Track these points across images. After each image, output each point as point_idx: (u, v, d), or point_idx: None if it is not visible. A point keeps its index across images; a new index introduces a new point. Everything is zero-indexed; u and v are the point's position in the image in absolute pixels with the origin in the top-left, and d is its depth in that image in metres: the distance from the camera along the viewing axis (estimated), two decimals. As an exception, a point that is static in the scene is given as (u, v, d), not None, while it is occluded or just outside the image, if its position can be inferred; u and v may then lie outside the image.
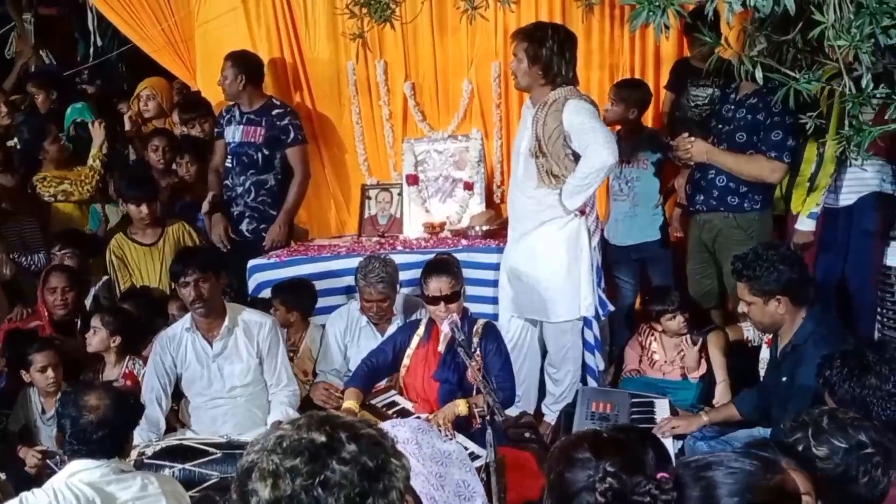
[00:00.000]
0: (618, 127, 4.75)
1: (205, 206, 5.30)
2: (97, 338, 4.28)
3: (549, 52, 4.06)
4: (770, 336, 3.83)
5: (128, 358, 4.36)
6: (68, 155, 5.66)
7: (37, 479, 3.83)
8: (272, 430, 1.61)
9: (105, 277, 5.13)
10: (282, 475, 1.48)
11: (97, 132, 5.50)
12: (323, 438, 1.52)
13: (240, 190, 5.26)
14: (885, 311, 4.07)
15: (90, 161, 5.47)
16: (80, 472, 2.62)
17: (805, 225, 4.29)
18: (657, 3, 2.52)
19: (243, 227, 5.29)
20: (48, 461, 3.81)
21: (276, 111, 5.26)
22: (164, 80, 6.42)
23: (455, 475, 2.32)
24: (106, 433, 2.65)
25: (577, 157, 4.08)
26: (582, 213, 4.19)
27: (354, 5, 4.15)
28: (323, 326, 4.59)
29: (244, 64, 5.22)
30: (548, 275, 4.22)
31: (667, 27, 2.57)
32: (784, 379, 3.44)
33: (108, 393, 2.74)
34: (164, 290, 4.90)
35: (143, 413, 3.03)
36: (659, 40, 3.45)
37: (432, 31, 5.41)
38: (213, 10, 5.80)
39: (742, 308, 3.58)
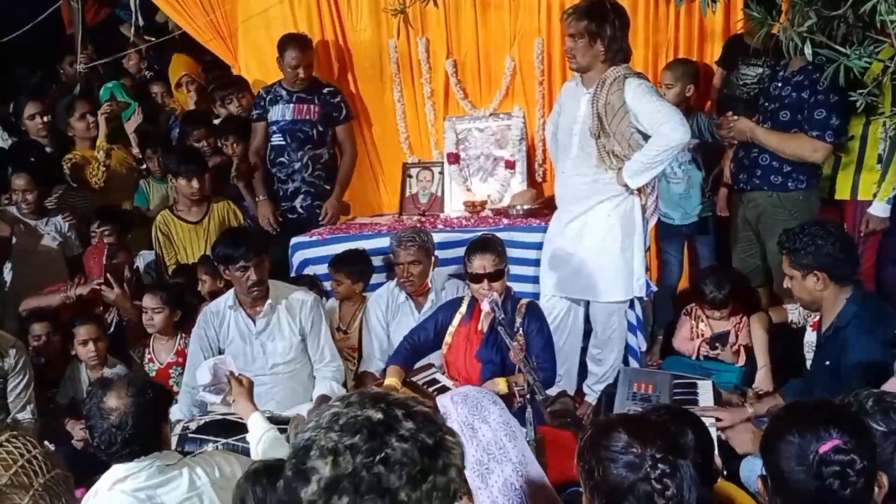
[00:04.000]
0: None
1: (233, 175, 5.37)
2: (160, 316, 4.35)
3: (611, 29, 4.00)
4: (816, 319, 3.78)
5: (179, 335, 4.44)
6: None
7: (83, 451, 3.94)
8: (324, 407, 1.60)
9: (144, 252, 5.22)
10: (342, 452, 1.47)
11: (101, 124, 5.53)
12: (379, 415, 1.51)
13: (297, 166, 5.32)
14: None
15: (96, 152, 5.50)
16: (122, 481, 2.56)
17: (881, 210, 4.23)
18: (704, -23, 2.46)
19: (297, 203, 5.36)
20: (93, 436, 3.90)
21: (327, 89, 5.37)
22: (191, 58, 6.49)
23: (488, 433, 2.32)
24: (130, 434, 2.55)
25: (643, 136, 4.03)
26: (639, 191, 4.15)
27: (396, -19, 4.13)
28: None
29: (309, 46, 5.31)
30: (601, 254, 4.19)
31: (713, 1, 2.51)
32: (827, 363, 3.39)
33: (127, 392, 2.61)
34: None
35: (171, 399, 2.96)
36: (705, 14, 3.38)
37: (475, 7, 5.36)
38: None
39: (786, 283, 3.53)
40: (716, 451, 3.28)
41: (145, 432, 2.60)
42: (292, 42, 5.24)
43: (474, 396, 2.48)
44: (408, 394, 3.76)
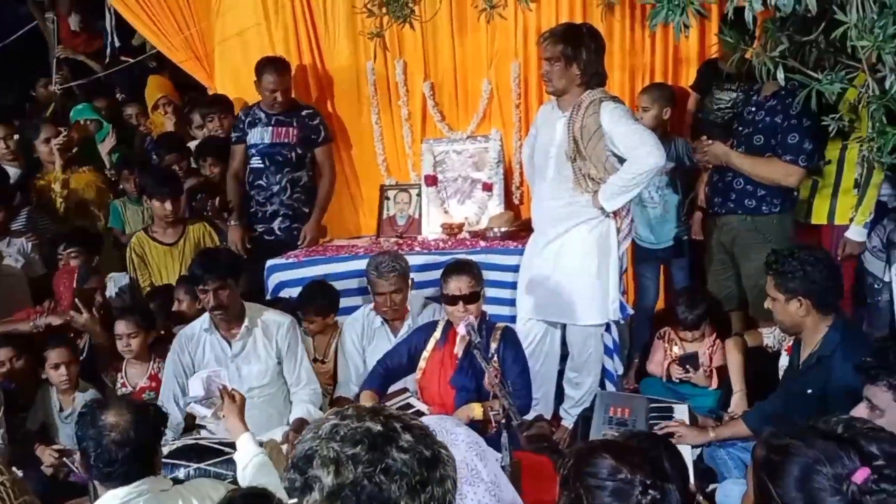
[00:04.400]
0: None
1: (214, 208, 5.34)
2: (136, 341, 4.28)
3: (587, 52, 4.02)
4: (790, 343, 3.79)
5: (153, 359, 4.37)
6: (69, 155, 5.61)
7: (54, 477, 3.88)
8: (320, 419, 1.63)
9: (114, 274, 5.16)
10: (344, 462, 1.50)
11: (56, 154, 5.44)
12: (379, 427, 1.54)
13: (276, 189, 5.31)
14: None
15: (52, 182, 5.43)
16: None
17: (857, 235, 4.28)
18: (676, 2, 2.48)
19: (275, 225, 5.34)
20: (65, 459, 3.84)
21: (306, 111, 5.36)
22: (166, 79, 6.47)
23: (457, 456, 2.30)
24: (131, 450, 2.51)
25: (618, 159, 4.04)
26: (615, 214, 4.16)
27: (373, 4, 4.13)
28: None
29: (287, 70, 5.29)
30: (577, 277, 4.19)
31: (686, 26, 2.54)
32: (810, 391, 3.38)
33: (126, 408, 2.60)
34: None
35: (166, 420, 2.92)
36: (678, 40, 3.41)
37: (452, 30, 5.38)
38: (234, 19, 5.82)
39: (768, 304, 3.54)
40: (690, 475, 3.31)
41: (145, 450, 2.57)
42: (269, 66, 5.22)
43: (436, 423, 2.46)
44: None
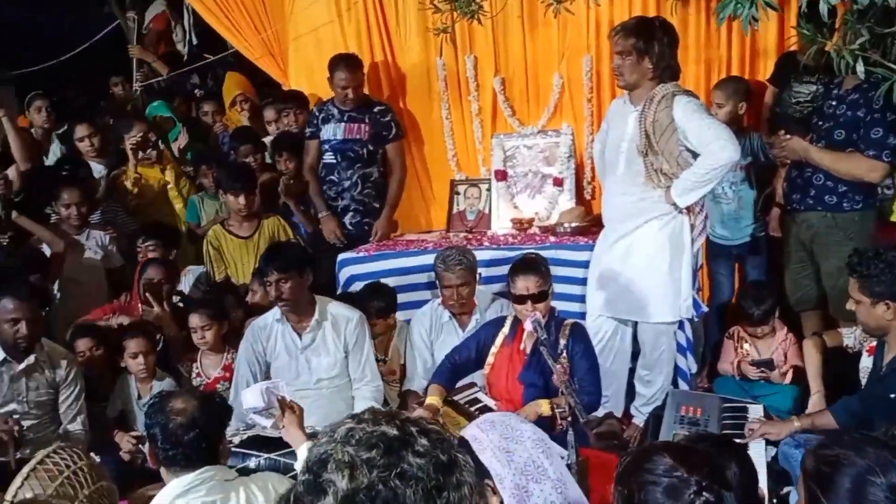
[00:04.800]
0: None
1: (281, 186, 5.44)
2: (211, 332, 4.38)
3: (660, 46, 3.97)
4: (873, 343, 3.67)
5: (227, 350, 4.47)
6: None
7: (131, 463, 4.00)
8: (335, 423, 1.59)
9: (191, 267, 5.28)
10: (358, 466, 1.47)
11: (129, 154, 5.57)
12: (395, 432, 1.52)
13: (347, 184, 5.36)
14: None
15: (125, 180, 5.56)
16: (183, 495, 2.55)
17: None
18: (745, -5, 2.41)
19: (346, 220, 5.40)
20: (141, 446, 3.95)
21: (378, 108, 5.39)
22: (243, 76, 6.59)
23: (523, 454, 2.28)
24: (197, 434, 2.58)
25: (692, 154, 3.97)
26: (688, 210, 4.08)
27: (440, 1, 4.13)
28: (408, 324, 4.62)
29: (359, 67, 5.34)
30: (649, 274, 4.13)
31: (755, 19, 2.46)
32: (893, 396, 3.29)
33: (193, 396, 2.71)
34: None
35: (232, 414, 2.98)
36: (747, 33, 3.32)
37: (522, 25, 5.35)
38: (308, 16, 5.91)
39: (850, 305, 3.45)
40: (761, 482, 3.23)
41: (209, 438, 2.63)
42: (341, 63, 5.27)
43: (500, 420, 2.43)
44: (449, 413, 3.74)
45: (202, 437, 2.60)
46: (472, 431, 2.35)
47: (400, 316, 4.73)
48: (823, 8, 2.53)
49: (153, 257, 4.91)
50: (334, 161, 5.37)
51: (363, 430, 1.52)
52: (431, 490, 1.48)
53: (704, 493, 1.76)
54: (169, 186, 5.71)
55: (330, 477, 1.48)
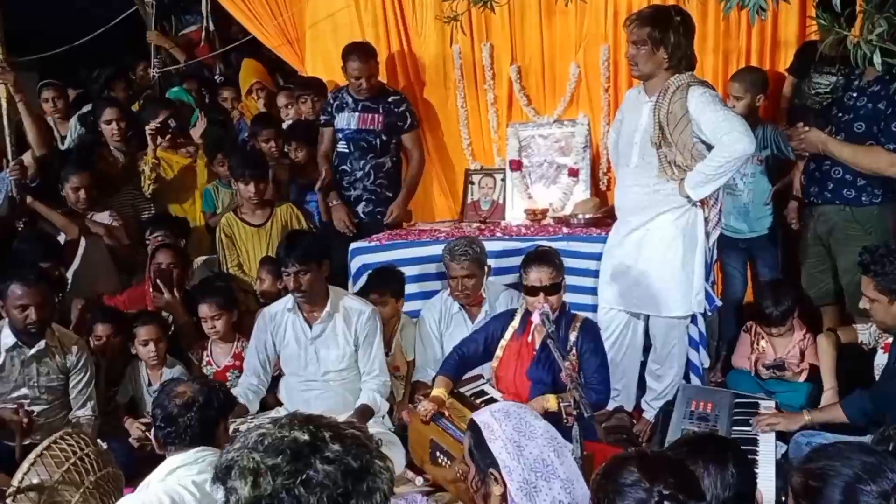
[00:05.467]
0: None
1: (317, 187, 5.40)
2: (221, 322, 4.39)
3: (675, 36, 3.90)
4: (888, 340, 3.61)
5: (237, 339, 4.48)
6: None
7: (140, 450, 4.02)
8: (253, 427, 1.58)
9: (205, 258, 5.28)
10: (262, 473, 1.46)
11: (149, 140, 5.52)
12: (306, 437, 1.50)
13: (359, 174, 5.34)
14: None
15: (144, 165, 5.50)
16: (174, 471, 2.60)
17: None
18: (752, -16, 2.34)
19: (360, 209, 5.38)
20: (149, 433, 3.96)
21: (392, 98, 5.32)
22: (260, 64, 6.56)
23: (534, 450, 2.27)
24: (193, 416, 2.65)
25: (706, 146, 3.91)
26: (702, 203, 4.03)
27: (454, -13, 4.09)
28: (414, 321, 4.60)
29: (372, 56, 5.27)
30: (661, 267, 4.08)
31: (762, 9, 2.39)
32: None
33: (196, 382, 2.82)
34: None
35: (233, 404, 3.03)
36: (753, 23, 3.25)
37: (540, 12, 5.30)
38: (325, 2, 5.88)
39: (864, 304, 3.39)
40: (770, 480, 3.19)
41: (207, 421, 2.68)
42: (354, 53, 5.20)
43: (515, 412, 2.41)
44: (454, 405, 3.72)
45: (198, 418, 2.66)
46: (484, 418, 2.36)
47: (411, 306, 4.70)
48: (836, -2, 2.46)
49: (164, 242, 4.92)
50: (347, 150, 5.36)
51: (274, 434, 1.51)
52: (338, 497, 1.47)
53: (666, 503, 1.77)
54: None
55: (233, 484, 1.48)
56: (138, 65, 7.36)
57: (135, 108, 6.26)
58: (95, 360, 4.22)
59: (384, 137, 5.31)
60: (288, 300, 4.16)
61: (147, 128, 5.50)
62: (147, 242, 5.08)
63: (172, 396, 2.69)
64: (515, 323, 3.93)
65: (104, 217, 5.16)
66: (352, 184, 5.37)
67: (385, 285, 4.53)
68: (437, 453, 3.70)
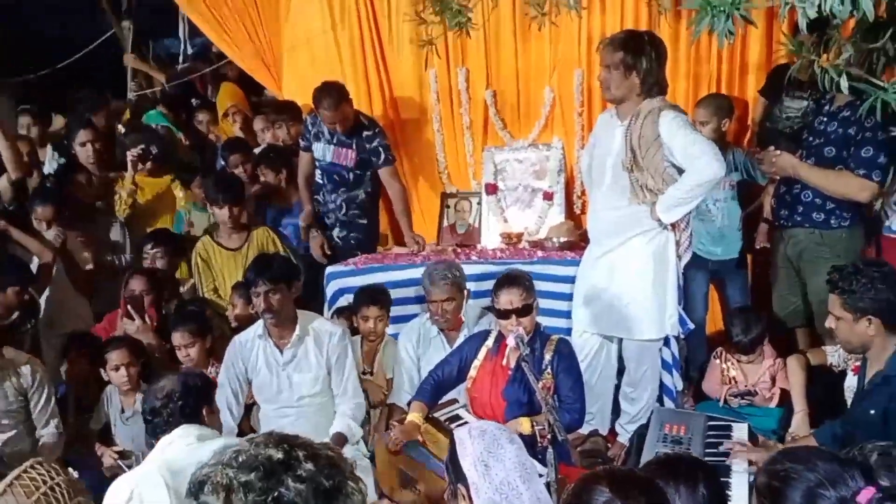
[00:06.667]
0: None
1: (302, 222, 5.45)
2: (195, 350, 4.33)
3: (647, 61, 3.94)
4: (857, 362, 3.63)
5: (210, 364, 4.42)
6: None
7: (111, 479, 3.95)
8: (231, 443, 1.60)
9: (192, 281, 5.26)
10: (235, 490, 1.47)
11: (128, 166, 5.53)
12: (280, 455, 1.51)
13: (332, 206, 5.40)
14: None
15: (122, 190, 5.50)
16: (162, 451, 2.70)
17: None
18: (720, 8, 2.37)
19: (334, 233, 5.42)
20: (122, 462, 3.92)
21: (366, 133, 5.25)
22: (238, 88, 6.57)
23: (500, 473, 2.28)
24: (175, 402, 2.78)
25: (677, 170, 3.95)
26: (673, 226, 4.06)
27: (429, 13, 4.12)
28: (396, 338, 4.59)
29: (343, 99, 5.15)
30: (633, 290, 4.10)
31: (731, 33, 2.43)
32: (873, 412, 3.24)
33: (173, 375, 2.99)
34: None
35: (213, 387, 3.19)
36: (722, 46, 3.30)
37: (514, 38, 5.35)
38: (302, 25, 5.90)
39: (830, 322, 3.39)
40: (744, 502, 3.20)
41: (188, 403, 2.81)
42: (326, 99, 5.08)
43: (492, 432, 2.42)
44: (429, 430, 3.71)
45: (179, 406, 2.79)
46: (461, 434, 2.38)
47: (389, 330, 4.69)
48: (802, 22, 2.49)
49: (139, 268, 4.89)
50: (321, 182, 5.41)
51: (249, 452, 1.52)
52: None
53: None
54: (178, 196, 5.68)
55: (206, 499, 1.49)
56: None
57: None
58: (68, 387, 4.17)
59: (357, 172, 5.32)
60: (258, 326, 4.11)
61: (129, 153, 5.48)
62: (144, 257, 5.04)
63: (155, 392, 2.83)
64: (489, 343, 3.92)
65: (50, 234, 5.09)
66: (325, 213, 5.45)
67: (384, 300, 4.57)
68: (407, 480, 3.69)
